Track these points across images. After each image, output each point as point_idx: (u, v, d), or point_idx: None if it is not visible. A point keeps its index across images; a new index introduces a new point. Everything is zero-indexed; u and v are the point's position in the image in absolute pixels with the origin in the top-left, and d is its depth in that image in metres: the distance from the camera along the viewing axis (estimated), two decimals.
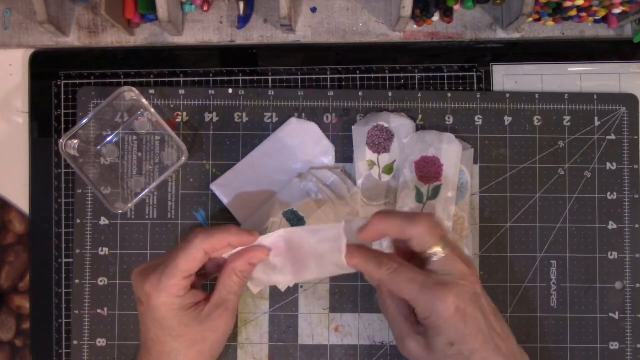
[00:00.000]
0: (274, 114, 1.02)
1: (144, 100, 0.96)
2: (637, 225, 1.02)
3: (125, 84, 1.03)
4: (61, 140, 0.95)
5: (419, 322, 0.81)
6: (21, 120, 1.04)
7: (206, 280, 0.90)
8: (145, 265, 0.85)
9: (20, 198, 1.04)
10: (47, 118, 1.03)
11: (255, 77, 1.04)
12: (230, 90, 1.02)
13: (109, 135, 1.02)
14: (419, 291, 0.78)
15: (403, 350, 0.83)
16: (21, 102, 1.04)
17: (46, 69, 1.04)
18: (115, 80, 1.04)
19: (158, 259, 0.85)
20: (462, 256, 0.82)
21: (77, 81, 1.03)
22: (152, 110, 0.96)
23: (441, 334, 0.78)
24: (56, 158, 1.03)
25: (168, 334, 0.82)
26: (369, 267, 0.81)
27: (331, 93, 1.02)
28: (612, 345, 1.01)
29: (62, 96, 1.03)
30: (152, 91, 1.02)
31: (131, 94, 0.97)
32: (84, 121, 0.97)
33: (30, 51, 1.04)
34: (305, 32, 1.03)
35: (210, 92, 1.02)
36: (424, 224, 0.79)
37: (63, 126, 1.03)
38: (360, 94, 1.02)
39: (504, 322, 0.82)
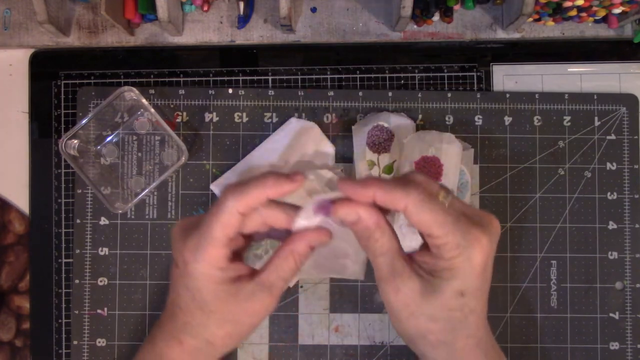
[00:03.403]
0: (274, 114, 1.02)
1: (144, 100, 0.96)
2: (637, 225, 1.02)
3: (125, 84, 1.03)
4: (61, 140, 0.95)
5: (416, 262, 0.73)
6: (21, 120, 1.04)
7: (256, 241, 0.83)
8: (188, 221, 0.77)
9: (20, 198, 1.04)
10: (47, 118, 1.03)
11: (255, 77, 1.04)
12: (230, 90, 1.02)
13: (108, 135, 1.02)
14: (454, 224, 0.68)
15: (389, 292, 0.72)
16: (21, 102, 1.04)
17: (46, 69, 1.04)
18: (115, 80, 1.04)
19: (198, 218, 0.76)
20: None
21: (77, 81, 1.03)
22: (152, 110, 0.96)
23: (458, 277, 0.69)
24: (56, 158, 1.03)
25: (199, 307, 0.73)
26: (396, 193, 0.69)
27: (331, 93, 1.02)
28: (612, 346, 1.01)
29: (62, 96, 1.03)
30: (152, 91, 1.02)
31: (131, 93, 0.97)
32: (84, 121, 0.97)
33: (30, 51, 1.04)
34: (305, 32, 1.03)
35: (210, 92, 1.02)
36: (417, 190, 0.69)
37: (63, 126, 1.03)
38: (360, 93, 1.02)
39: None
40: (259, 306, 0.74)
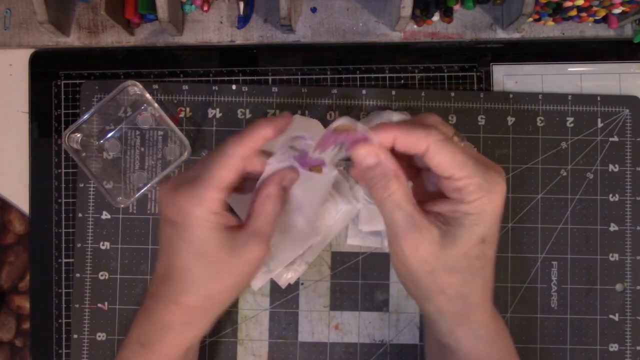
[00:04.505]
0: (277, 111, 1.02)
1: (147, 95, 0.96)
2: (638, 227, 1.02)
3: None
4: (64, 134, 0.96)
5: (432, 213, 0.72)
6: (21, 120, 1.04)
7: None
8: (175, 179, 0.76)
9: (20, 198, 1.04)
10: (47, 118, 1.03)
11: (255, 77, 1.04)
12: (234, 87, 1.03)
13: (111, 130, 1.02)
14: (474, 166, 0.69)
15: (407, 248, 0.70)
16: (21, 102, 1.04)
17: (46, 69, 1.04)
18: (115, 80, 1.03)
19: (189, 172, 0.76)
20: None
21: (77, 81, 1.03)
22: (156, 105, 0.96)
23: (481, 223, 0.69)
24: (56, 158, 1.03)
25: (201, 259, 0.73)
26: (417, 134, 0.69)
27: (334, 91, 1.03)
28: (612, 347, 1.01)
29: (62, 96, 1.03)
30: (155, 86, 1.03)
31: (135, 88, 0.97)
32: (87, 115, 0.97)
33: (30, 51, 1.05)
34: (305, 32, 1.03)
35: (213, 88, 1.03)
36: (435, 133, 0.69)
37: (63, 126, 1.03)
38: (364, 92, 1.03)
39: None
40: (255, 254, 0.74)
